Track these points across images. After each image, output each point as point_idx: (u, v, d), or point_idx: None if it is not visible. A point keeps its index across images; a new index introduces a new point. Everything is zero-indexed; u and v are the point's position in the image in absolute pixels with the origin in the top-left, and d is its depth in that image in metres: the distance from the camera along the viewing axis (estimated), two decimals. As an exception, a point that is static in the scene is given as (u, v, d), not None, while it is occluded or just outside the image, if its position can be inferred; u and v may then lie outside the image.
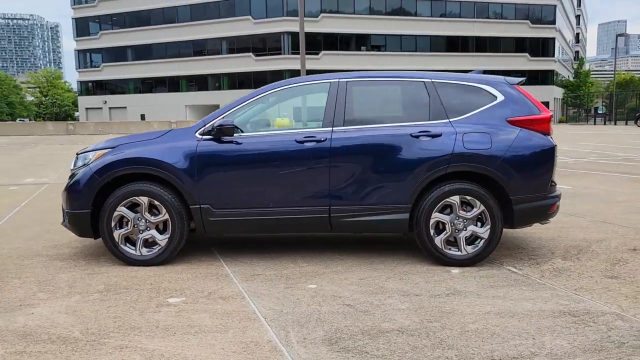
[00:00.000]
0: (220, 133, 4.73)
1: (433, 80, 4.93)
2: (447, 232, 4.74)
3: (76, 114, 78.21)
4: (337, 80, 4.95)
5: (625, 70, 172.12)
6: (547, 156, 4.78)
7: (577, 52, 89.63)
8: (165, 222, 4.81)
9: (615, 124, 51.39)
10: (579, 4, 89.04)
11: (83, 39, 61.64)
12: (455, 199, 4.70)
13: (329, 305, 3.86)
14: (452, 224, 4.73)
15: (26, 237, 6.08)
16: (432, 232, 4.74)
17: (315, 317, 3.64)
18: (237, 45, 53.46)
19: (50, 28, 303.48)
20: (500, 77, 5.04)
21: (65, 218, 5.01)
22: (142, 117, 54.83)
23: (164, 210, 4.77)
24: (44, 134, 40.63)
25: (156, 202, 4.76)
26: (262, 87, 5.13)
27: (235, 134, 4.83)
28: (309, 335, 3.33)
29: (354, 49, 52.96)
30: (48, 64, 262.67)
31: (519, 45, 57.38)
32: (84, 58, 62.84)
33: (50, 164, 15.69)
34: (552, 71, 61.11)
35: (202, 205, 4.77)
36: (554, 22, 59.42)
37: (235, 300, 3.99)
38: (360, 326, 3.47)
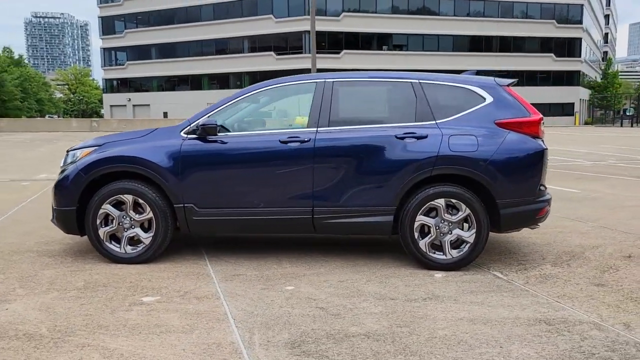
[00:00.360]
0: (204, 132, 4.73)
1: (420, 81, 4.85)
2: (431, 236, 4.66)
3: (102, 111, 79.45)
4: (324, 80, 4.90)
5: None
6: (535, 159, 4.67)
7: (605, 52, 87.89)
8: (149, 221, 4.83)
9: (642, 126, 50.27)
10: (608, 4, 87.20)
11: (108, 37, 62.55)
12: (440, 202, 4.62)
13: (302, 307, 3.83)
14: (437, 228, 4.65)
15: (22, 232, 6.16)
16: (416, 235, 4.67)
17: (284, 319, 3.61)
18: (258, 44, 53.64)
19: (80, 26, 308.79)
20: (490, 79, 4.94)
21: (53, 215, 5.06)
22: (165, 114, 55.35)
23: (148, 209, 4.78)
24: (68, 130, 41.34)
25: (140, 201, 4.78)
26: (248, 87, 5.11)
27: (220, 134, 4.83)
28: (273, 338, 3.30)
29: (376, 48, 52.69)
30: (77, 62, 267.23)
31: (544, 45, 56.45)
32: (110, 56, 63.79)
33: (66, 161, 15.89)
34: (578, 72, 59.99)
35: (185, 205, 4.78)
36: (580, 21, 58.33)
37: (210, 300, 3.98)
38: (327, 330, 3.43)
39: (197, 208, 4.78)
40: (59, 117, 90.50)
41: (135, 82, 62.26)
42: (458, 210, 4.63)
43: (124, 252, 4.84)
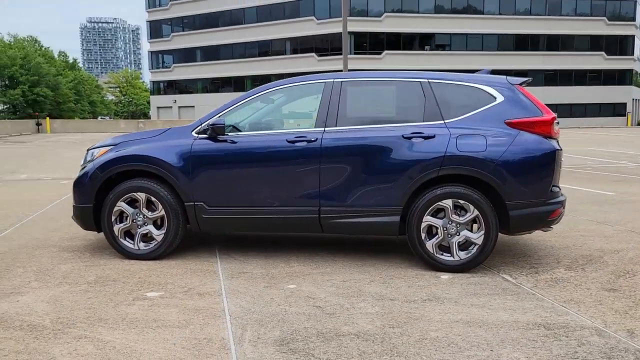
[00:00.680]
0: (213, 132, 4.82)
1: (430, 80, 4.80)
2: (439, 237, 4.61)
3: (149, 112, 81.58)
4: (332, 80, 4.91)
5: None
6: (547, 160, 4.55)
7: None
8: (162, 218, 4.95)
9: (700, 127, 47.98)
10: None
11: (156, 40, 64.10)
12: (447, 203, 4.56)
13: (299, 306, 3.85)
14: (445, 229, 4.59)
15: (50, 228, 6.41)
16: (423, 236, 4.62)
17: (279, 317, 3.64)
18: (300, 45, 53.92)
19: (132, 31, 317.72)
20: (502, 77, 4.84)
21: (73, 211, 5.25)
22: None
23: (160, 207, 4.90)
24: (117, 131, 42.56)
25: (153, 199, 4.90)
26: (258, 87, 5.17)
27: (231, 134, 4.91)
28: (264, 335, 3.34)
29: (418, 48, 52.09)
30: (129, 65, 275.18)
31: (594, 43, 54.53)
32: (157, 59, 65.38)
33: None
34: (630, 70, 57.66)
35: (196, 203, 4.87)
36: (634, 18, 56.04)
37: (211, 297, 4.05)
38: (319, 328, 3.44)
39: (207, 206, 4.86)
40: (110, 118, 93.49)
41: (180, 84, 63.61)
42: (466, 211, 4.56)
43: (137, 248, 4.98)
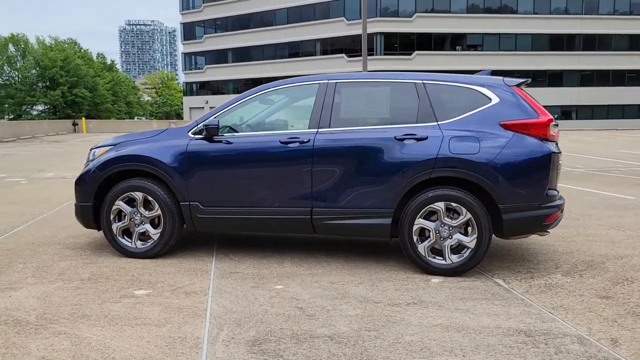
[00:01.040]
0: (207, 132, 4.86)
1: (424, 81, 4.75)
2: (431, 240, 4.55)
3: (183, 112, 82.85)
4: (327, 81, 4.91)
5: None
6: (542, 163, 4.44)
7: None
8: (159, 217, 5.02)
9: None
10: None
11: (189, 42, 65.07)
12: (440, 206, 4.50)
13: (281, 306, 3.86)
14: (437, 232, 4.53)
15: (59, 226, 6.57)
16: (415, 238, 4.57)
17: (258, 317, 3.65)
18: (330, 46, 53.93)
19: (168, 33, 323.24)
20: (498, 79, 4.75)
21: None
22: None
23: (157, 206, 4.98)
24: (149, 131, 43.37)
25: (150, 198, 4.98)
26: (255, 88, 5.20)
27: (227, 134, 4.95)
28: (238, 335, 3.36)
29: (449, 48, 51.48)
30: (165, 67, 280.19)
31: (634, 42, 52.91)
32: (190, 60, 66.35)
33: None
34: (673, 70, 55.84)
35: (191, 203, 4.93)
36: (675, 16, 54.27)
37: (197, 296, 4.09)
38: (295, 330, 3.44)
39: (202, 206, 4.92)
40: (146, 119, 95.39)
41: (212, 85, 64.41)
42: (459, 214, 4.49)
43: (134, 246, 5.07)
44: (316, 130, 4.76)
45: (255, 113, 5.30)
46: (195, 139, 4.96)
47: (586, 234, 6.10)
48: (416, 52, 50.50)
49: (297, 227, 4.85)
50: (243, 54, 60.35)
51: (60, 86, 69.84)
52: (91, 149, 5.50)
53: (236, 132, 5.03)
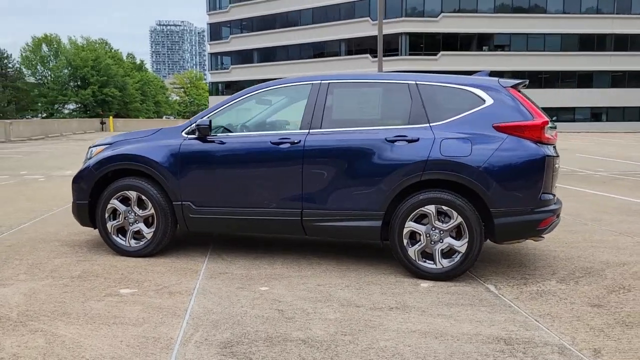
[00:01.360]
0: (199, 132, 4.87)
1: (417, 82, 4.67)
2: (421, 243, 4.47)
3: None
4: (319, 82, 4.86)
5: None
6: (535, 166, 4.32)
7: None
8: (152, 217, 5.04)
9: None
10: None
11: (216, 42, 65.66)
12: (430, 209, 4.41)
13: (261, 308, 3.83)
14: (428, 235, 4.45)
15: (64, 223, 6.66)
16: (405, 242, 4.50)
17: (236, 319, 3.63)
18: (355, 46, 53.74)
19: (198, 33, 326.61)
20: (494, 80, 4.64)
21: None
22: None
23: (150, 205, 5.00)
24: (175, 130, 43.88)
25: (144, 197, 5.00)
26: (248, 88, 5.18)
27: (221, 134, 4.95)
28: (212, 337, 3.34)
29: (475, 49, 50.79)
30: (194, 67, 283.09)
31: (668, 43, 51.52)
32: (216, 60, 66.93)
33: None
34: None
35: (183, 202, 4.94)
36: None
37: (181, 296, 4.09)
38: (270, 332, 3.41)
39: (194, 206, 4.92)
40: (174, 118, 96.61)
41: (237, 85, 64.74)
42: (450, 217, 4.40)
43: (128, 245, 5.10)
44: (307, 131, 4.72)
45: (248, 113, 5.29)
46: (189, 139, 4.96)
47: (591, 240, 5.93)
48: (442, 52, 49.97)
49: (287, 228, 4.82)
50: (268, 54, 60.63)
51: (90, 85, 71.28)
52: (89, 147, 5.56)
53: (230, 132, 5.02)
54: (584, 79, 51.08)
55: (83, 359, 3.02)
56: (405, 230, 4.48)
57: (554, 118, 6.21)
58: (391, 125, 4.63)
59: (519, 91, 4.62)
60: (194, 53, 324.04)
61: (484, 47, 51.06)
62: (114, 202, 5.07)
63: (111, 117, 47.19)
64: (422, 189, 4.47)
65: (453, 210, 4.36)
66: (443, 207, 4.39)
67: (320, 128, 4.72)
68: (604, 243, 5.79)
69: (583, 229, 6.49)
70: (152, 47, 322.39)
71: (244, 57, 62.93)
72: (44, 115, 74.06)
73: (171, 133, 5.08)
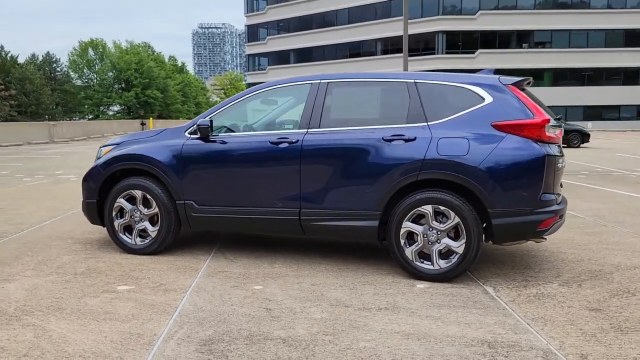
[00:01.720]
0: (200, 132, 4.93)
1: (416, 81, 4.60)
2: (419, 244, 4.41)
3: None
4: (318, 81, 4.85)
5: None
6: (535, 166, 4.20)
7: None
8: (157, 215, 5.13)
9: None
10: None
11: (253, 44, 66.46)
12: (428, 209, 4.35)
13: (250, 307, 3.84)
14: (425, 236, 4.38)
15: (80, 221, 6.83)
16: (402, 242, 4.44)
17: (223, 317, 3.66)
18: (390, 46, 53.44)
19: (238, 35, 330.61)
20: (494, 77, 4.53)
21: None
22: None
23: (154, 204, 5.09)
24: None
25: (148, 196, 5.10)
26: (249, 88, 5.22)
27: (223, 134, 5.00)
28: (194, 334, 3.37)
29: (515, 46, 49.68)
30: (234, 68, 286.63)
31: None
32: (253, 62, 67.74)
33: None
34: None
35: (186, 201, 5.01)
36: None
37: (175, 293, 4.14)
38: (253, 331, 3.42)
39: (196, 205, 4.99)
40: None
41: (275, 86, 65.55)
42: (447, 218, 4.32)
43: (134, 243, 5.21)
44: (306, 130, 4.72)
45: (251, 113, 5.33)
46: (191, 139, 5.03)
47: (607, 242, 5.72)
48: (479, 50, 49.14)
49: (286, 227, 4.83)
50: (304, 55, 60.93)
51: (134, 87, 73.09)
52: (100, 147, 5.70)
53: (232, 132, 5.07)
54: (630, 76, 49.31)
55: (65, 353, 3.10)
56: (402, 231, 4.43)
57: (558, 116, 5.96)
58: (389, 124, 4.58)
59: (522, 89, 4.50)
60: (234, 54, 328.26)
61: (523, 45, 49.94)
62: (121, 201, 5.18)
63: (151, 118, 48.27)
64: (419, 189, 4.41)
65: (450, 211, 4.28)
66: (440, 207, 4.32)
67: (319, 127, 4.71)
68: (620, 245, 5.58)
69: (601, 231, 6.28)
70: (194, 49, 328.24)
71: (280, 57, 63.44)
72: (91, 117, 76.36)
73: (175, 133, 5.17)
